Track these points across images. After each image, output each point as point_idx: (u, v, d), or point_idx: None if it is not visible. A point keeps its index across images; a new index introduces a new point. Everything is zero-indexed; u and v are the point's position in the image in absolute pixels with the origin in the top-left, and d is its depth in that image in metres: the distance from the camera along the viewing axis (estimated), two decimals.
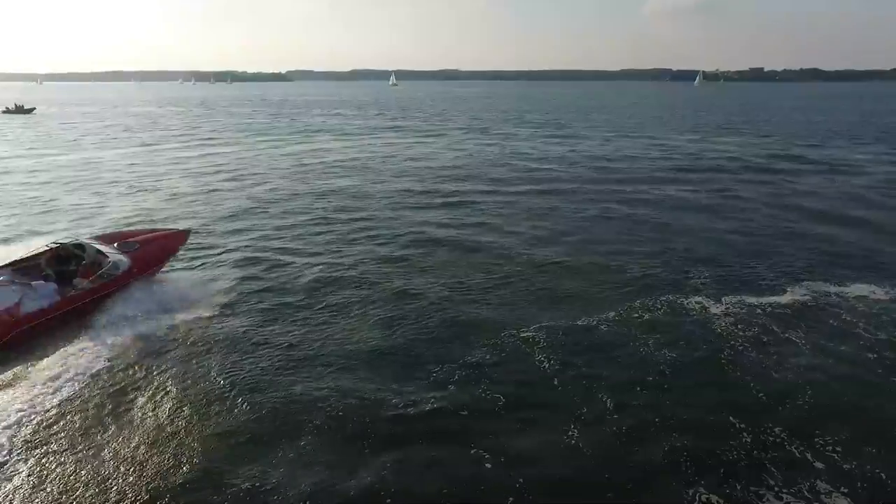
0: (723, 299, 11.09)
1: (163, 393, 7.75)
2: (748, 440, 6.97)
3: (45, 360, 8.36)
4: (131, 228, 14.13)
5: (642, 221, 17.59)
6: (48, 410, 7.26)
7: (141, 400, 7.62)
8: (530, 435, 7.09)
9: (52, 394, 7.58)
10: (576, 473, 6.47)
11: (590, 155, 31.96)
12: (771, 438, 7.02)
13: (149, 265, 11.09)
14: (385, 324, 10.12)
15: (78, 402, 7.48)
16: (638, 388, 8.14)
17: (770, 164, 28.91)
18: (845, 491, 6.12)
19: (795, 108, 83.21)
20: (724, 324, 10.15)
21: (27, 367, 8.19)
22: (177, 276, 12.20)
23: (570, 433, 7.07)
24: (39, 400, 7.44)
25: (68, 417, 7.17)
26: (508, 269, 13.06)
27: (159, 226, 14.81)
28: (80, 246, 10.58)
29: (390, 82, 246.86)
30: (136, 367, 8.35)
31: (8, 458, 6.45)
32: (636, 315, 10.44)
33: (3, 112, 64.82)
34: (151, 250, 11.40)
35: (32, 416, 7.12)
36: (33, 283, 9.39)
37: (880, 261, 13.82)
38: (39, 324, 8.88)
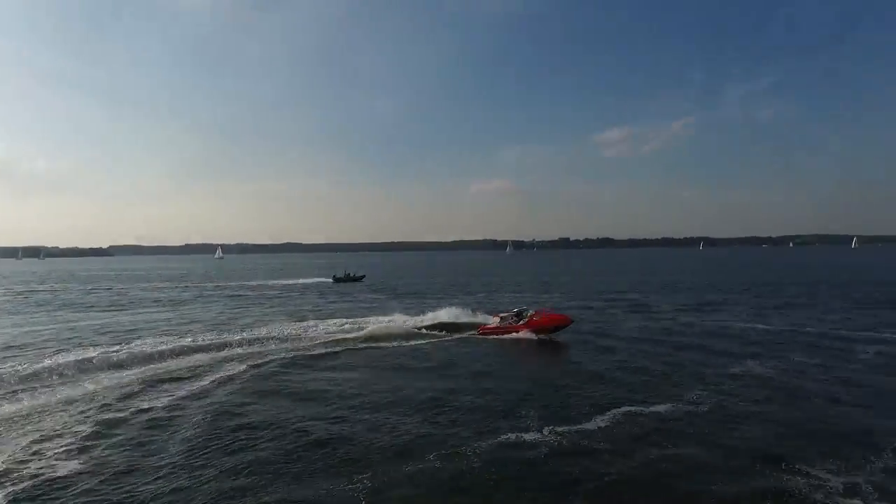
0: (544, 429, 11.83)
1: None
2: None
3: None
4: (545, 308, 29.64)
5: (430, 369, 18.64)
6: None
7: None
8: None
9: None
10: None
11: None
12: None
13: (542, 326, 24.49)
14: None
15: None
16: None
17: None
18: None
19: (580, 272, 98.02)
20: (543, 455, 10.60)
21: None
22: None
23: None
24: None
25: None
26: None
27: (564, 312, 28.54)
28: (525, 309, 25.79)
29: (216, 255, 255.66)
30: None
31: None
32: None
33: (336, 280, 70.06)
34: (547, 319, 24.89)
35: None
36: (505, 317, 25.83)
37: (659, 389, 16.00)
38: (507, 330, 24.96)
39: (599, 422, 12.58)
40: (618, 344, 22.77)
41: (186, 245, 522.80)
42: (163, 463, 10.53)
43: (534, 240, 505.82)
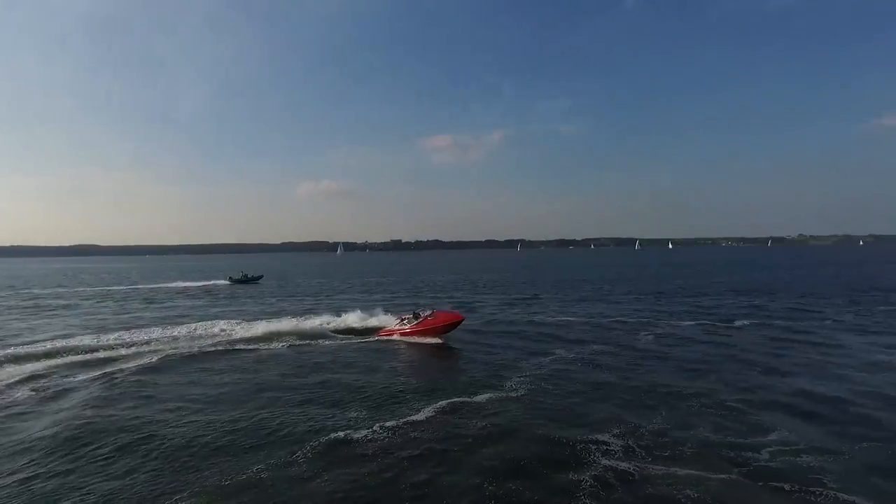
0: (374, 426, 12.04)
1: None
2: None
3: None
4: (442, 308, 29.30)
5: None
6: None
7: None
8: None
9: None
10: None
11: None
12: None
13: (437, 324, 24.79)
14: None
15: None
16: None
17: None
18: None
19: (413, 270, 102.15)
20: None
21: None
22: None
23: None
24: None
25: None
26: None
27: (458, 311, 28.82)
28: (422, 310, 26.61)
29: None
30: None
31: None
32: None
33: (233, 282, 67.74)
34: (441, 318, 25.22)
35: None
36: (404, 319, 26.13)
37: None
38: (404, 332, 25.27)
39: (427, 412, 13.26)
40: (450, 340, 24.18)
41: None
42: None
43: (366, 241, 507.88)
